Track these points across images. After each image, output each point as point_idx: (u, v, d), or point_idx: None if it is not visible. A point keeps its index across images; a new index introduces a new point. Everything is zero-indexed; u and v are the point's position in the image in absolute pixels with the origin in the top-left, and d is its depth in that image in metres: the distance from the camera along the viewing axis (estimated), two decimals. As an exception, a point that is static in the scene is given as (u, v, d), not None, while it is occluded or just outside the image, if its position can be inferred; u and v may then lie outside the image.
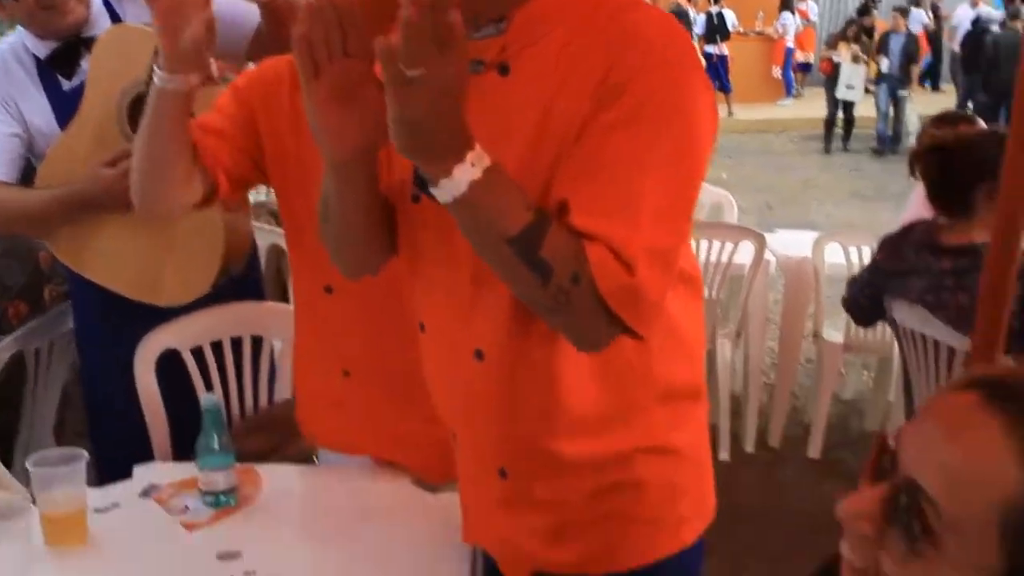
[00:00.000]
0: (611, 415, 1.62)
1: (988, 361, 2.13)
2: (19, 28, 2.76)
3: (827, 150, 15.17)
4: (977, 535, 0.91)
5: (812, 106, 17.20)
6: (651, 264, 1.42)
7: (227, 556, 1.98)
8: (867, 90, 15.07)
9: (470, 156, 1.35)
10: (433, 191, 1.39)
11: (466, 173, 1.35)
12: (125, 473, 2.36)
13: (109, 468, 2.60)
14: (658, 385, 1.64)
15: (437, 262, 1.63)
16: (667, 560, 1.70)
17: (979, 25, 15.83)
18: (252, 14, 2.65)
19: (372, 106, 1.43)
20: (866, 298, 3.48)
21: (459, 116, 1.34)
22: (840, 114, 15.18)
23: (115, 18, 2.76)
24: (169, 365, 2.71)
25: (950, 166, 3.12)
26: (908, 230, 3.33)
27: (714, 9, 18.09)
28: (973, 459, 0.92)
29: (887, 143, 14.66)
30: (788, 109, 18.85)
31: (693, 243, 4.25)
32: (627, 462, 1.64)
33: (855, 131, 15.21)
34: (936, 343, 3.22)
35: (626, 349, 1.55)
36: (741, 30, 19.04)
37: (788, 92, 19.68)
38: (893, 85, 14.49)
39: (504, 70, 1.51)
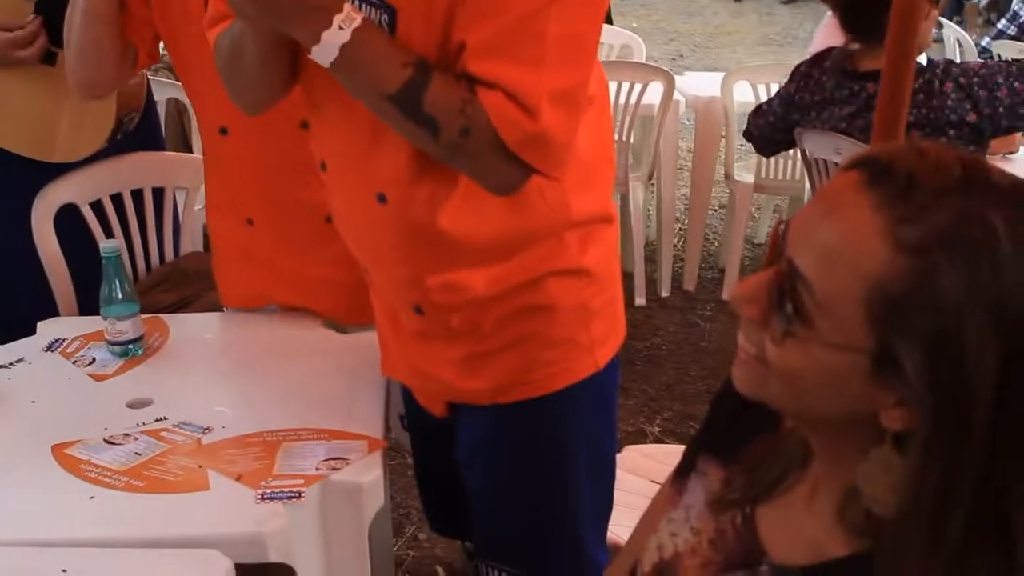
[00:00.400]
0: (522, 243, 1.61)
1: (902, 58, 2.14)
2: None
3: None
4: (845, 313, 0.92)
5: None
6: (556, 106, 1.40)
7: (138, 404, 1.95)
8: None
9: (337, 19, 1.38)
10: (311, 56, 1.41)
11: (335, 37, 1.38)
12: (33, 331, 2.30)
13: (15, 329, 2.54)
14: (570, 213, 1.63)
15: (337, 102, 1.59)
16: (582, 383, 1.71)
17: None
18: None
19: None
20: (778, 132, 3.48)
21: None
22: None
23: None
24: (69, 221, 2.64)
25: None
26: (819, 59, 3.31)
27: None
28: (843, 237, 0.92)
29: None
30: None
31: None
32: (539, 286, 1.63)
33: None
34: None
35: (537, 182, 1.54)
36: None
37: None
38: None
39: None
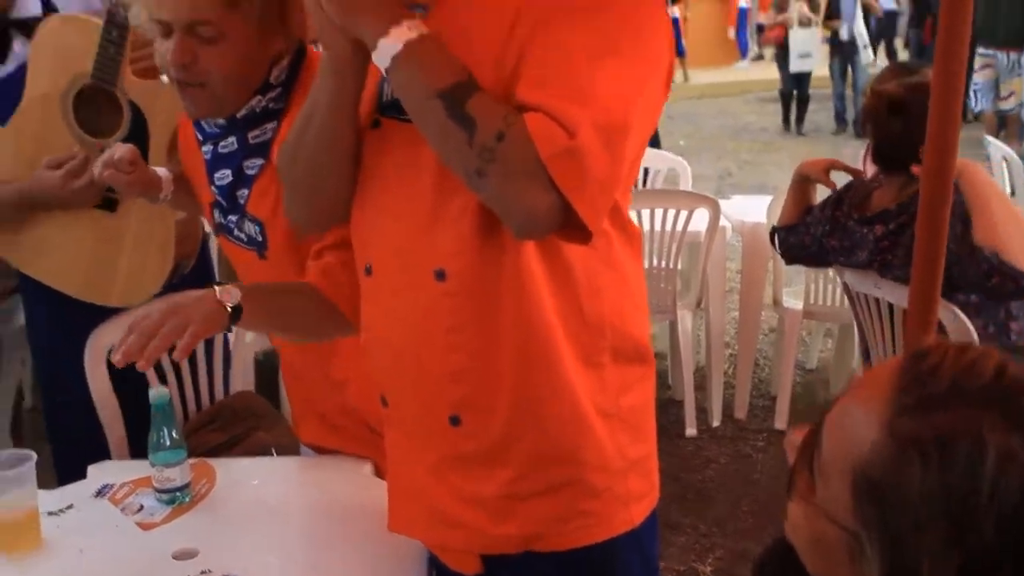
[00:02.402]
0: (567, 358, 1.59)
1: (925, 312, 2.15)
2: None
3: (786, 129, 13.29)
4: (836, 485, 0.93)
5: (774, 67, 16.58)
6: (595, 135, 1.42)
7: (183, 555, 1.95)
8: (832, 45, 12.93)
9: (407, 22, 1.48)
10: (375, 58, 1.50)
11: (403, 34, 1.47)
12: (84, 471, 2.33)
13: (68, 466, 2.57)
14: (608, 333, 1.63)
15: (396, 183, 1.63)
16: (619, 539, 1.67)
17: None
18: None
19: None
20: (807, 259, 3.50)
21: None
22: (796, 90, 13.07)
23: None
24: (122, 359, 2.68)
25: (898, 121, 3.07)
26: (839, 200, 3.31)
27: (664, -30, 17.09)
28: (854, 412, 0.94)
29: (846, 122, 12.95)
30: (747, 71, 18.64)
31: (647, 212, 4.27)
32: (582, 420, 1.62)
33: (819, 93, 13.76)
34: (891, 306, 3.22)
35: (577, 288, 1.58)
36: (692, -10, 18.66)
37: (743, 55, 19.48)
38: (848, 54, 12.60)
39: None
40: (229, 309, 1.80)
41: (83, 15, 2.60)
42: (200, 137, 2.11)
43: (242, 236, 2.13)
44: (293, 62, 2.04)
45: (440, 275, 1.57)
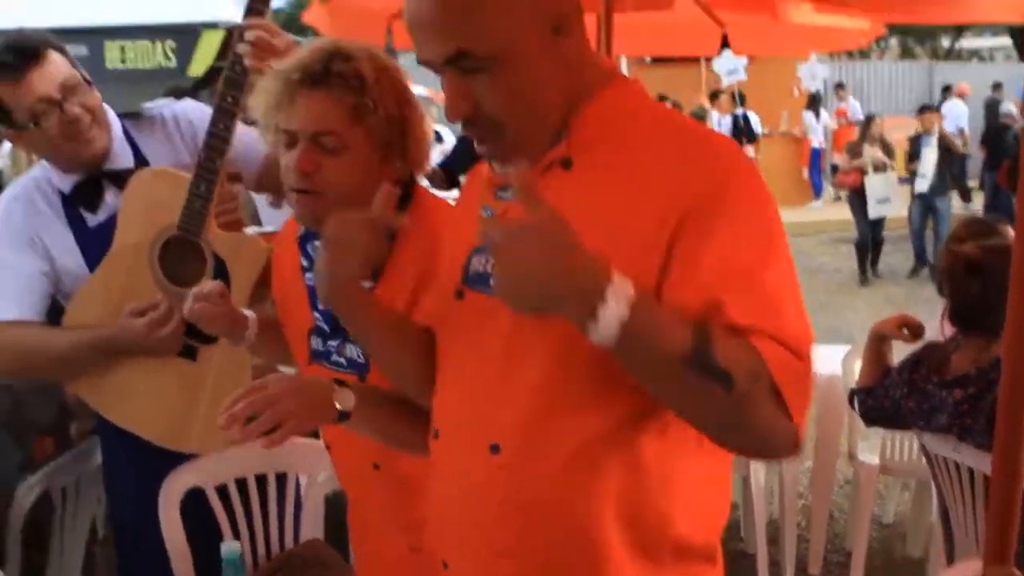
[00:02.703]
0: (618, 554, 1.55)
1: (1008, 483, 2.12)
2: (42, 162, 2.77)
3: (863, 282, 12.42)
4: None
5: (847, 207, 16.22)
6: (807, 354, 1.42)
7: None
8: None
9: (608, 293, 1.31)
10: (590, 336, 1.34)
11: (614, 313, 1.31)
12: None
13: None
14: (671, 532, 1.58)
15: (468, 354, 1.63)
16: None
17: (1000, 119, 15.50)
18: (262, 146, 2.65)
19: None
20: (885, 421, 3.44)
21: (573, 256, 1.32)
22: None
23: (136, 152, 2.78)
24: (197, 502, 2.70)
25: (976, 283, 3.04)
26: (917, 363, 3.27)
27: (739, 111, 15.84)
28: None
29: (925, 262, 12.48)
30: (820, 211, 18.53)
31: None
32: None
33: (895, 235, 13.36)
34: (971, 470, 3.14)
35: (647, 482, 1.53)
36: (766, 131, 18.64)
37: (816, 195, 19.41)
38: (928, 198, 12.28)
39: (567, 164, 1.55)
40: (339, 411, 1.77)
41: (173, 169, 2.69)
42: (305, 263, 2.16)
43: (341, 360, 2.14)
44: (404, 191, 2.06)
45: (494, 449, 1.57)
